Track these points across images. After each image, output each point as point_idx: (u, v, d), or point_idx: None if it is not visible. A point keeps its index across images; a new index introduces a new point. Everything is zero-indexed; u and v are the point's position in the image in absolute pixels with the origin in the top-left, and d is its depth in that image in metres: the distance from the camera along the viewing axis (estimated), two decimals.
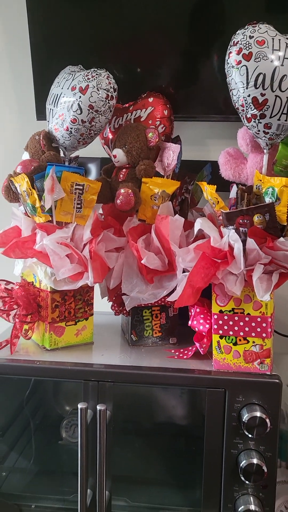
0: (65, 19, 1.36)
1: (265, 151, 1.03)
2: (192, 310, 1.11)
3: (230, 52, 0.94)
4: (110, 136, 1.28)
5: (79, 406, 1.03)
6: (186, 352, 1.14)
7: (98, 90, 1.09)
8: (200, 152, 1.51)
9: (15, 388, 1.30)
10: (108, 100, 1.10)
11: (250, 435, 1.01)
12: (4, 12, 1.50)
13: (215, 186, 1.01)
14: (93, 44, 1.36)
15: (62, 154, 1.20)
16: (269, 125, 0.97)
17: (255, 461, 1.01)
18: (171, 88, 1.35)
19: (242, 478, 1.02)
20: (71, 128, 1.12)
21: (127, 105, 1.27)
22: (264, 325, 1.02)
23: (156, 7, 1.33)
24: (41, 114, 1.42)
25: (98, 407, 1.02)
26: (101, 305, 1.26)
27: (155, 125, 1.20)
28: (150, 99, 1.23)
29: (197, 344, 1.10)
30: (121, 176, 1.18)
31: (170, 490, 1.18)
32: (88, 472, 1.07)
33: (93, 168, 1.50)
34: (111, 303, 1.23)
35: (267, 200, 0.98)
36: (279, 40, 0.92)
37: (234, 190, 1.07)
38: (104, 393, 1.06)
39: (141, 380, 1.08)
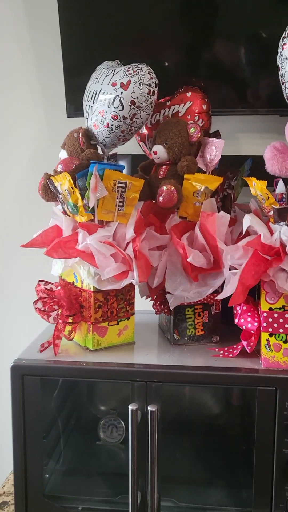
0: (98, 14, 1.34)
1: None
2: (238, 308, 1.10)
3: (285, 44, 0.92)
4: (146, 132, 1.26)
5: (130, 407, 1.01)
6: (231, 350, 1.12)
7: (140, 86, 1.07)
8: (231, 147, 1.49)
9: (50, 389, 1.28)
10: (150, 96, 1.08)
11: None
12: (34, 5, 1.48)
13: (266, 181, 0.99)
14: (126, 38, 1.34)
15: (100, 152, 1.18)
16: None
17: None
18: (201, 81, 1.33)
19: None
20: (112, 125, 1.10)
21: (163, 100, 1.24)
22: None
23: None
24: (72, 111, 1.40)
25: (150, 408, 1.01)
26: (138, 304, 1.24)
27: (194, 120, 1.18)
28: (188, 94, 1.21)
29: (245, 343, 1.08)
30: (161, 173, 1.16)
31: (218, 490, 1.17)
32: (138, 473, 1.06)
33: (124, 165, 1.48)
34: (147, 301, 1.22)
35: None
36: None
37: (281, 185, 1.05)
38: (151, 394, 1.05)
39: (190, 380, 1.07)
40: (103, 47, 1.36)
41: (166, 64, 1.42)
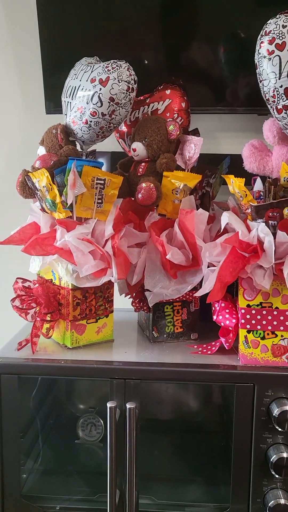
0: (77, 10, 1.33)
1: None
2: (216, 305, 1.10)
3: (262, 42, 0.93)
4: (125, 130, 1.26)
5: (108, 405, 1.01)
6: (209, 347, 1.13)
7: (119, 82, 1.07)
8: (210, 145, 1.49)
9: (28, 388, 1.27)
10: (129, 92, 1.08)
11: (280, 429, 1.01)
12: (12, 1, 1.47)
13: (244, 178, 1.00)
14: (104, 35, 1.34)
15: (79, 149, 1.18)
16: None
17: (285, 455, 1.01)
18: (181, 80, 1.33)
19: (273, 472, 1.02)
20: (91, 122, 1.09)
21: (142, 97, 1.24)
22: None
23: None
24: (51, 108, 1.38)
25: (128, 405, 1.01)
26: (117, 302, 1.24)
27: (173, 118, 1.18)
28: (167, 91, 1.21)
29: (223, 339, 1.09)
30: (140, 170, 1.16)
31: (196, 487, 1.17)
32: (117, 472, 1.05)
33: (103, 162, 1.47)
34: (126, 299, 1.22)
35: None
36: None
37: (258, 183, 1.06)
38: (130, 391, 1.04)
39: (169, 377, 1.07)
40: (82, 44, 1.35)
41: (146, 62, 1.42)
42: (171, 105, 1.19)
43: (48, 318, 1.12)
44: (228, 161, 1.24)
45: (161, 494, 1.14)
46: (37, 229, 1.14)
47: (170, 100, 1.20)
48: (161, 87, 1.23)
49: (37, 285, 1.12)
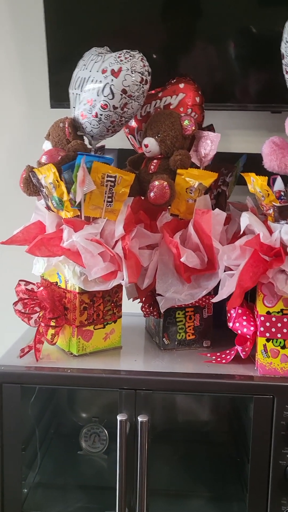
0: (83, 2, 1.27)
1: None
2: (232, 312, 1.04)
3: None
4: (136, 125, 1.19)
5: (119, 418, 0.94)
6: (224, 356, 1.07)
7: (132, 73, 1.00)
8: (221, 143, 1.44)
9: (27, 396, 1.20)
10: (143, 84, 1.02)
11: None
12: None
13: (266, 177, 0.93)
14: (114, 27, 1.27)
15: (87, 144, 1.11)
16: None
17: None
18: (190, 76, 1.27)
19: None
20: (101, 115, 1.03)
21: (154, 91, 1.18)
22: None
23: None
24: (56, 101, 1.32)
25: (140, 419, 0.94)
26: (124, 306, 1.17)
27: (186, 113, 1.12)
28: (181, 85, 1.14)
29: (239, 348, 1.03)
30: (152, 167, 1.09)
31: (209, 503, 1.11)
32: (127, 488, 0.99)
33: (113, 158, 1.41)
34: (132, 303, 1.15)
35: None
36: None
37: (279, 182, 1.00)
38: (141, 402, 0.98)
39: (182, 388, 1.00)
40: (89, 37, 1.28)
41: (154, 56, 1.35)
42: (184, 99, 1.13)
43: (53, 324, 1.05)
44: (245, 159, 1.18)
45: (174, 511, 1.08)
46: (42, 229, 1.08)
47: (184, 95, 1.13)
48: (174, 80, 1.16)
49: (41, 288, 1.05)
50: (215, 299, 0.99)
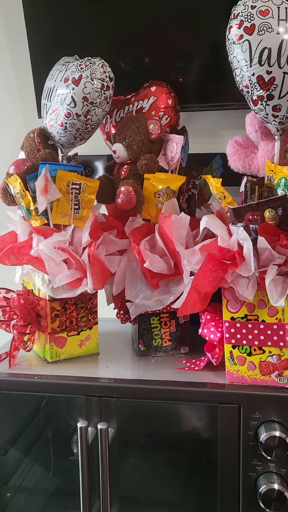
0: (63, 12, 1.28)
1: (276, 137, 0.92)
2: (202, 317, 1.01)
3: (231, 27, 0.83)
4: (113, 131, 1.19)
5: (79, 425, 0.94)
6: (197, 363, 1.04)
7: (92, 80, 1.00)
8: (214, 144, 1.40)
9: (22, 401, 1.22)
10: (104, 91, 1.01)
11: (268, 457, 0.90)
12: (2, 9, 1.44)
13: (221, 179, 0.90)
14: (96, 37, 1.28)
15: (60, 152, 1.13)
16: (278, 107, 0.85)
17: (276, 486, 0.91)
18: (180, 77, 1.25)
19: (261, 505, 0.91)
20: (66, 123, 1.04)
21: (129, 96, 1.18)
22: (281, 333, 0.91)
23: None
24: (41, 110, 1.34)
25: (99, 426, 0.94)
26: (111, 311, 1.17)
27: (158, 116, 1.11)
28: (153, 88, 1.13)
29: (209, 355, 1.00)
30: (122, 173, 1.09)
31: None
32: (95, 494, 0.98)
33: (99, 166, 1.42)
34: (116, 310, 1.15)
35: (280, 192, 0.87)
36: (286, 8, 0.80)
37: (244, 182, 0.96)
38: (108, 410, 0.97)
39: (147, 396, 0.98)
40: (72, 47, 1.30)
41: (147, 60, 1.34)
42: (156, 102, 1.12)
43: (27, 331, 1.07)
44: (220, 160, 1.15)
45: None
46: (16, 238, 1.10)
47: (155, 98, 1.12)
48: (147, 84, 1.15)
49: (15, 295, 1.08)
50: (175, 305, 0.97)
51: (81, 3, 1.27)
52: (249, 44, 0.81)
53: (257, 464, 0.93)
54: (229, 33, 0.84)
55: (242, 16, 0.81)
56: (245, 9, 0.81)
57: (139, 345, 1.10)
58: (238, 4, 0.83)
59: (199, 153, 1.27)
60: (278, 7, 0.80)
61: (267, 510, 0.92)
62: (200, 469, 1.12)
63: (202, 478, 1.10)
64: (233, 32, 0.83)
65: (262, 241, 0.85)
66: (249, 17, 0.80)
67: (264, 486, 0.91)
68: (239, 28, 0.81)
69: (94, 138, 1.14)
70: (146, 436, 1.18)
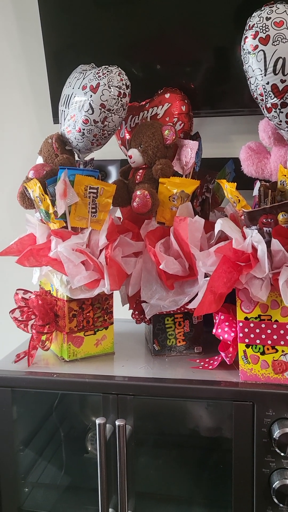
0: (78, 21, 1.31)
1: None
2: (216, 318, 1.04)
3: (246, 37, 0.87)
4: (128, 136, 1.22)
5: (97, 421, 0.97)
6: (211, 362, 1.07)
7: (110, 88, 1.04)
8: (225, 149, 1.43)
9: (39, 399, 1.25)
10: (121, 98, 1.05)
11: (282, 453, 0.93)
12: (19, 17, 1.48)
13: (235, 183, 0.93)
14: (109, 44, 1.31)
15: (77, 157, 1.16)
16: None
17: None
18: (192, 83, 1.28)
19: (275, 501, 0.94)
20: (84, 129, 1.07)
21: (143, 102, 1.21)
22: None
23: (181, 4, 1.25)
24: (57, 117, 1.37)
25: (117, 423, 0.97)
26: (125, 312, 1.20)
27: (172, 122, 1.14)
28: (167, 95, 1.16)
29: (223, 354, 1.03)
30: (138, 177, 1.12)
31: (198, 508, 1.11)
32: (112, 490, 1.01)
33: (113, 171, 1.45)
34: (131, 311, 1.18)
35: None
36: None
37: (257, 187, 0.99)
38: (124, 407, 1.00)
39: (163, 393, 1.01)
40: (87, 55, 1.33)
41: (158, 67, 1.38)
42: (170, 109, 1.15)
43: (43, 330, 1.10)
44: (232, 165, 1.18)
45: None
46: (35, 240, 1.13)
47: (169, 104, 1.15)
48: (161, 91, 1.19)
49: (33, 296, 1.11)
50: (190, 305, 1.00)
51: (95, 11, 1.30)
52: (264, 54, 0.84)
53: (270, 461, 0.96)
54: (244, 43, 0.87)
55: (257, 27, 0.84)
56: (260, 20, 0.84)
57: (154, 345, 1.13)
58: (253, 15, 0.87)
59: (212, 158, 1.30)
60: None
61: (281, 505, 0.94)
62: (214, 465, 1.15)
63: (216, 475, 1.13)
64: (248, 42, 0.86)
65: (276, 244, 0.88)
66: (264, 28, 0.83)
67: (277, 482, 0.94)
68: (254, 38, 0.85)
69: (108, 143, 1.17)
70: (161, 433, 1.21)
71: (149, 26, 1.31)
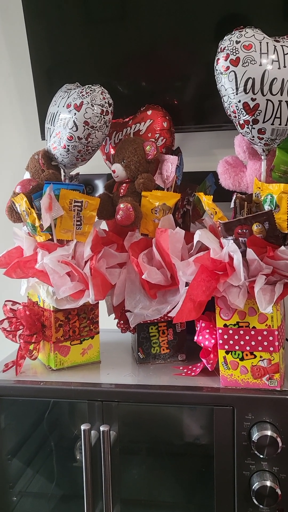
0: (66, 39, 1.37)
1: (262, 157, 0.99)
2: (198, 325, 1.08)
3: (218, 59, 0.92)
4: (112, 152, 1.27)
5: (82, 427, 1.00)
6: (194, 369, 1.10)
7: (93, 106, 1.08)
8: (208, 163, 1.48)
9: (27, 408, 1.28)
10: (103, 116, 1.09)
11: (261, 455, 0.96)
12: (6, 35, 1.53)
13: (212, 196, 0.98)
14: (95, 62, 1.36)
15: (63, 172, 1.20)
16: (262, 130, 0.93)
17: (268, 483, 0.96)
18: (175, 99, 1.33)
19: (255, 502, 0.97)
20: (68, 146, 1.12)
21: (127, 119, 1.26)
22: (271, 338, 0.97)
23: (169, 21, 1.31)
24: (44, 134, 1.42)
25: (102, 428, 1.00)
26: (111, 322, 1.24)
27: (155, 138, 1.19)
28: (149, 112, 1.21)
29: (204, 361, 1.06)
30: (121, 191, 1.16)
31: None
32: (97, 496, 1.04)
33: (100, 184, 1.49)
34: (116, 321, 1.21)
35: (266, 208, 0.94)
36: (267, 43, 0.89)
37: (234, 199, 1.03)
38: (109, 414, 1.03)
39: (146, 399, 1.04)
40: (75, 72, 1.38)
41: (143, 84, 1.43)
42: (152, 125, 1.20)
43: (32, 340, 1.13)
44: (212, 178, 1.22)
45: None
46: (22, 253, 1.17)
47: (152, 121, 1.20)
48: (143, 108, 1.24)
49: (21, 307, 1.14)
50: (171, 314, 1.04)
51: (80, 28, 1.35)
52: (235, 74, 0.89)
53: (250, 463, 0.99)
54: (217, 64, 0.92)
55: (228, 49, 0.89)
56: (230, 43, 0.90)
57: (139, 353, 1.16)
58: (224, 39, 0.92)
59: (195, 171, 1.35)
60: (260, 42, 0.88)
61: (261, 506, 0.97)
62: (197, 469, 1.17)
63: (199, 478, 1.16)
64: (221, 63, 0.91)
65: (250, 253, 0.92)
66: (234, 50, 0.89)
67: (257, 483, 0.97)
68: (225, 60, 0.90)
69: (94, 158, 1.21)
70: (145, 439, 1.23)
71: (138, 43, 1.35)
